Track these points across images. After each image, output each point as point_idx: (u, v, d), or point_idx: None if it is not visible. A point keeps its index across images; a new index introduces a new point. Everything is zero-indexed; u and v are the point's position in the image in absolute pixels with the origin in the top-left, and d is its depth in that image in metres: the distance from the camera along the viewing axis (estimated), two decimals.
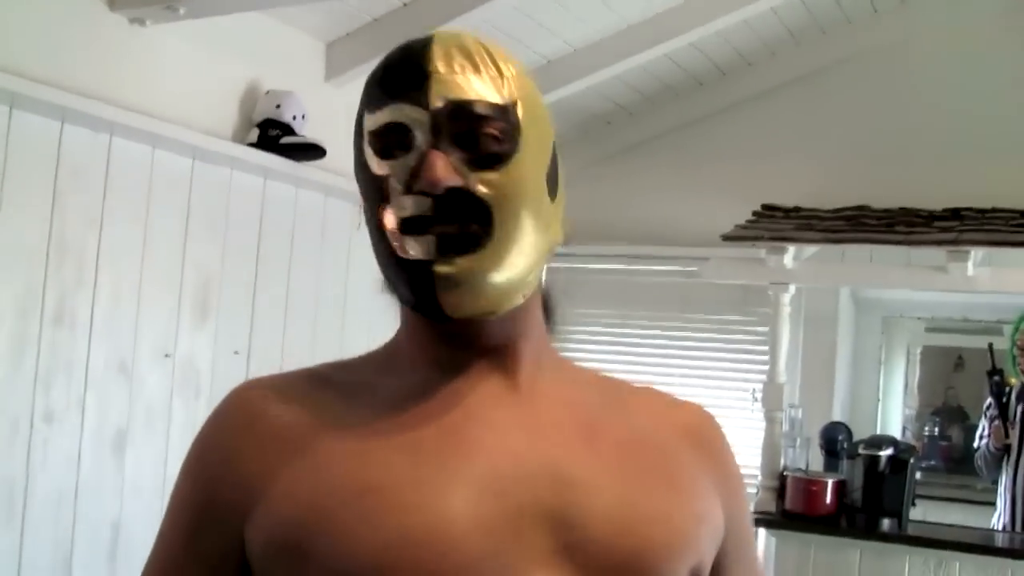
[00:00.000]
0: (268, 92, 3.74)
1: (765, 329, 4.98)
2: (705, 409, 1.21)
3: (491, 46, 1.05)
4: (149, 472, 3.37)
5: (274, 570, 1.02)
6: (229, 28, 3.55)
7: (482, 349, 1.08)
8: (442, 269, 0.99)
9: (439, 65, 1.01)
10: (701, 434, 1.16)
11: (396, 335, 1.14)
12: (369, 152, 1.04)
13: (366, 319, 4.07)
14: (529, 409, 1.07)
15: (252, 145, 3.66)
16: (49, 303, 3.14)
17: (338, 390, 1.09)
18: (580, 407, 1.10)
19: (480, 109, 1.01)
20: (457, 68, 1.02)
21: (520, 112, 1.03)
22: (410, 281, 1.02)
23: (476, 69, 1.02)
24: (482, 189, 1.00)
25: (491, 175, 1.00)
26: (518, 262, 1.03)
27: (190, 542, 1.08)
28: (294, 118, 3.73)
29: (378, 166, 1.03)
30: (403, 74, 1.02)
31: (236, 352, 3.66)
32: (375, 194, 1.04)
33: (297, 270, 3.91)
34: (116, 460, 3.32)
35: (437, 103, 1.00)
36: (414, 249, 1.00)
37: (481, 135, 1.01)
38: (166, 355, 3.45)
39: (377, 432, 1.02)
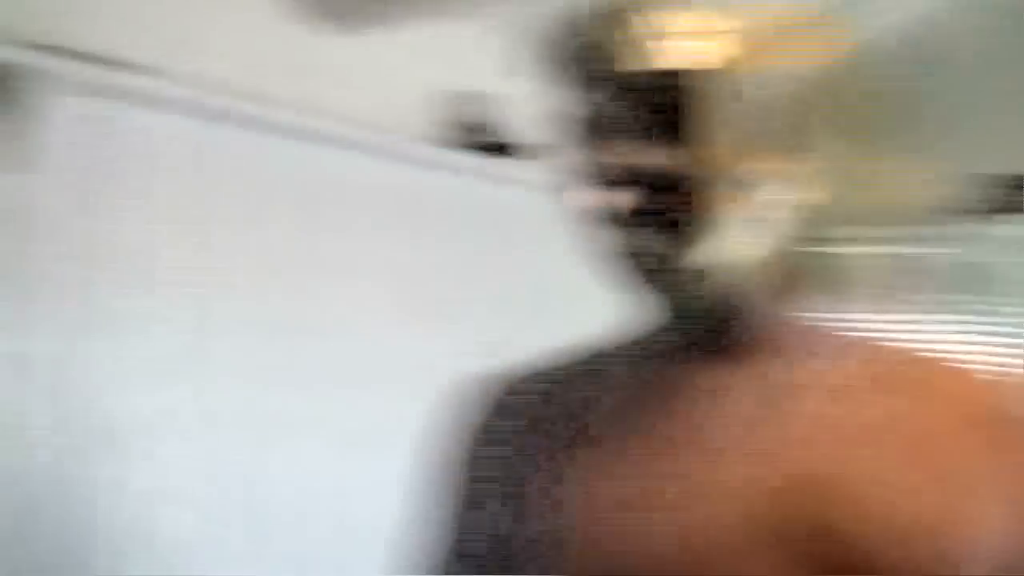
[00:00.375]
0: (463, 92, 3.68)
1: None
2: (999, 387, 1.01)
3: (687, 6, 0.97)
4: (393, 478, 3.33)
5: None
6: (422, 30, 3.48)
7: (729, 339, 1.00)
8: (647, 259, 0.95)
9: (626, 36, 0.95)
10: (993, 422, 0.97)
11: (644, 319, 1.06)
12: (569, 137, 1.01)
13: (589, 312, 3.94)
14: (785, 404, 0.96)
15: (453, 147, 3.61)
16: (294, 315, 3.17)
17: (590, 385, 1.05)
18: (844, 398, 0.96)
19: (667, 81, 0.93)
20: (646, 38, 0.94)
21: (714, 78, 0.94)
22: (622, 270, 0.98)
23: (668, 36, 0.94)
24: (676, 167, 0.93)
25: (682, 150, 0.93)
26: (733, 241, 0.94)
27: None
28: (492, 118, 3.69)
29: (578, 152, 1.00)
30: (589, 49, 0.97)
31: (469, 355, 3.55)
32: (583, 182, 1.00)
33: (513, 269, 3.80)
34: (358, 466, 3.27)
35: (621, 80, 0.94)
36: (619, 239, 0.97)
37: (671, 108, 0.93)
38: (403, 363, 3.39)
39: (626, 440, 0.97)
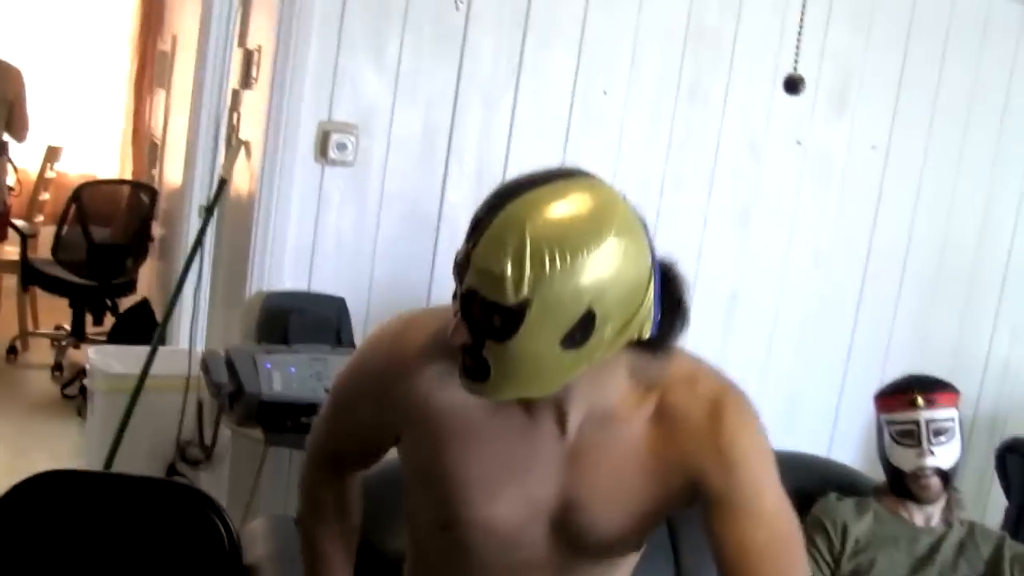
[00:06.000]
0: None
1: None
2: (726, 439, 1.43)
3: (545, 240, 1.24)
4: (770, 247, 3.37)
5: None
6: None
7: (536, 403, 1.43)
8: (464, 382, 1.36)
9: (478, 258, 1.27)
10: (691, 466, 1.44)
11: None
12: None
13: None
14: (569, 448, 1.45)
15: None
16: (685, 82, 3.24)
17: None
18: (605, 447, 1.45)
19: (490, 305, 1.27)
20: (491, 264, 1.25)
21: (529, 310, 1.25)
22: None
23: (505, 270, 1.24)
24: (485, 352, 1.31)
25: (493, 343, 1.29)
26: (527, 387, 1.35)
27: (355, 403, 1.56)
28: None
29: (451, 299, 1.35)
30: (464, 248, 1.30)
31: (873, 147, 3.45)
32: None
33: (950, 70, 3.57)
34: (739, 232, 3.36)
35: (465, 288, 1.29)
36: (459, 360, 1.36)
37: (491, 318, 1.28)
38: (797, 142, 3.36)
39: (473, 433, 1.45)
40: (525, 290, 1.24)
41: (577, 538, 1.49)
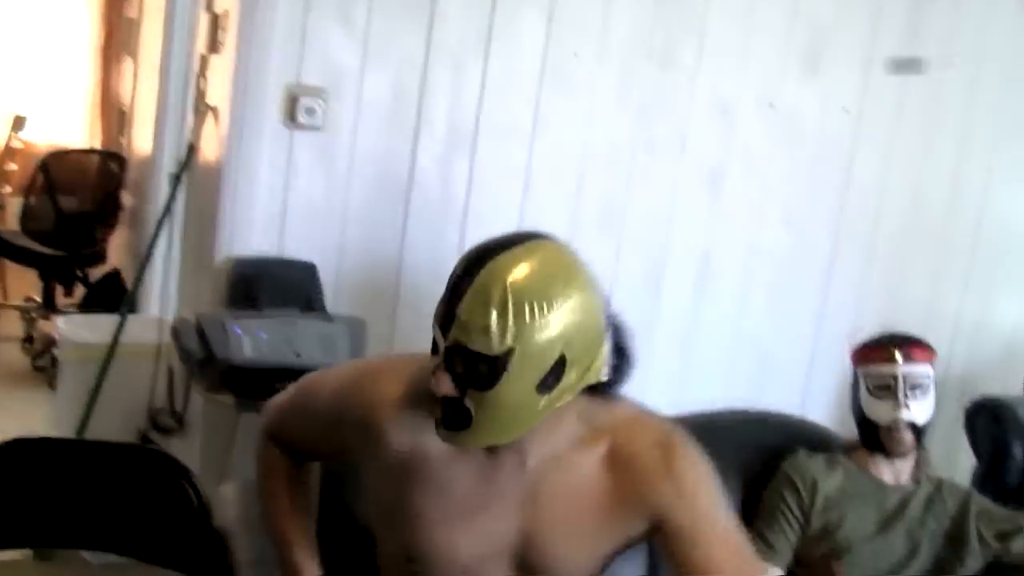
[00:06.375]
0: None
1: None
2: (673, 482, 1.55)
3: (524, 294, 1.39)
4: (741, 210, 3.39)
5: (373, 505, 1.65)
6: None
7: (498, 447, 1.53)
8: (442, 432, 1.48)
9: (463, 312, 1.39)
10: (641, 501, 1.56)
11: None
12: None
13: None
14: (527, 488, 1.54)
15: None
16: (656, 44, 3.22)
17: (428, 420, 1.51)
18: (561, 487, 1.55)
19: (475, 355, 1.40)
20: (476, 317, 1.38)
21: (512, 357, 1.39)
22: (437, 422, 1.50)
23: (491, 322, 1.38)
24: (467, 401, 1.43)
25: (476, 392, 1.42)
26: (503, 433, 1.47)
27: (324, 422, 1.67)
28: None
29: (431, 352, 1.47)
30: (446, 305, 1.42)
31: (845, 109, 3.45)
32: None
33: (923, 32, 3.53)
34: (711, 194, 3.36)
35: (450, 341, 1.41)
36: (437, 412, 1.47)
37: (476, 367, 1.40)
38: (769, 105, 3.35)
39: (434, 476, 1.55)
40: (509, 339, 1.38)
41: (536, 573, 1.58)
